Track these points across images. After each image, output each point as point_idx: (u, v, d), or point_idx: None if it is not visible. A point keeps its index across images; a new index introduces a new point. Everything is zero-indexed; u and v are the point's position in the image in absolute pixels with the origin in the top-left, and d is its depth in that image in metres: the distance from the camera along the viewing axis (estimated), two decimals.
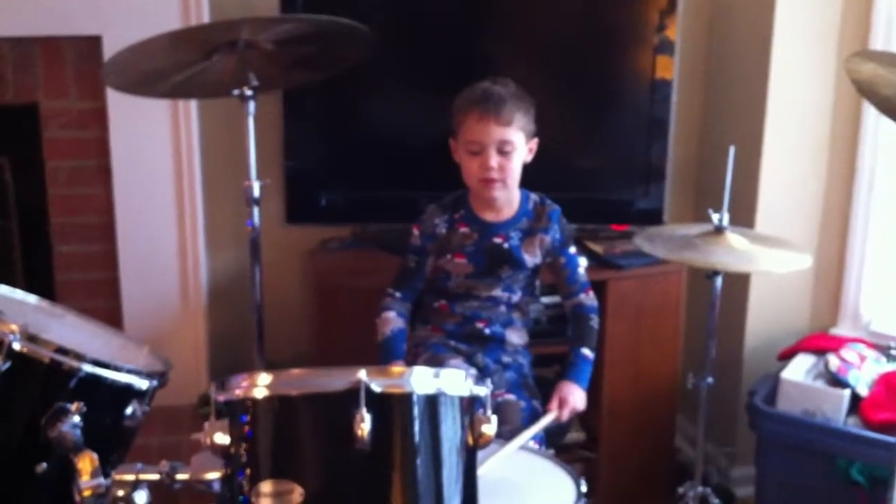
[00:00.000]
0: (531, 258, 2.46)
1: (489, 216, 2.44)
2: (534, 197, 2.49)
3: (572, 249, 2.51)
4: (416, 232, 2.46)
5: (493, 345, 2.48)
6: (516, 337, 2.52)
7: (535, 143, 2.38)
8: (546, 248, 2.47)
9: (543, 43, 3.01)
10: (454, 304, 2.48)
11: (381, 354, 2.38)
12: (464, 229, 2.43)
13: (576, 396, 2.36)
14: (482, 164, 2.32)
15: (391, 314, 2.43)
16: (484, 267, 2.43)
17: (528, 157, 2.38)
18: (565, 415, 2.33)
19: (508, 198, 2.43)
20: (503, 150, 2.31)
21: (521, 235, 2.44)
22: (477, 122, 2.30)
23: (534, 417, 2.31)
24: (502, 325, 2.49)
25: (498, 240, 2.43)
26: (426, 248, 2.45)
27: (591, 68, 3.02)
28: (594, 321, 2.48)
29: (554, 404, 2.33)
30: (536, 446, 2.16)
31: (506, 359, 2.48)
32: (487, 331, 2.47)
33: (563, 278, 2.51)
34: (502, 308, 2.49)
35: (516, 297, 2.50)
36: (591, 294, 2.52)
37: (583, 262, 2.59)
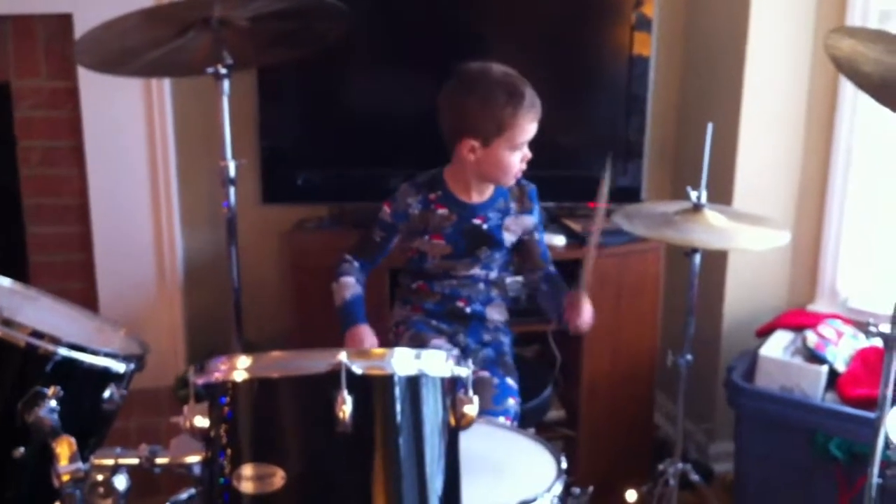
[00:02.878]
0: (510, 237, 2.44)
1: (467, 197, 2.41)
2: None
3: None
4: (387, 209, 2.43)
5: (474, 323, 2.47)
6: (497, 313, 2.52)
7: None
8: (526, 228, 2.46)
9: (521, 19, 2.99)
10: (433, 283, 2.47)
11: (342, 318, 2.35)
12: (442, 210, 2.40)
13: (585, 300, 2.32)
14: (525, 156, 2.32)
15: (350, 279, 2.40)
16: (463, 248, 2.41)
17: None
18: (585, 317, 2.30)
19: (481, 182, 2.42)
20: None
21: (500, 216, 2.43)
22: (531, 122, 2.29)
23: (505, 393, 2.32)
24: (482, 302, 2.48)
25: (477, 221, 2.41)
26: (396, 226, 2.43)
27: (569, 45, 3.01)
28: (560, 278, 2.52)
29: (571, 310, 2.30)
30: (499, 420, 2.18)
31: (487, 337, 2.48)
32: (468, 309, 2.46)
33: (536, 255, 2.50)
34: (481, 285, 2.47)
35: (493, 275, 2.49)
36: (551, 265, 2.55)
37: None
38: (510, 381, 2.36)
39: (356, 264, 2.44)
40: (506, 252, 2.48)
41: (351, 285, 2.39)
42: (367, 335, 2.29)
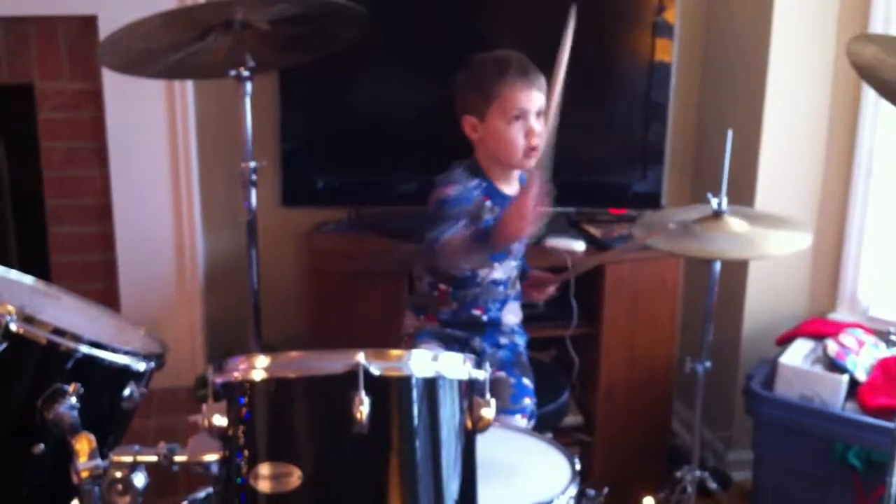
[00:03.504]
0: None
1: (507, 189, 2.35)
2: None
3: None
4: (450, 192, 2.27)
5: (490, 329, 2.46)
6: (512, 316, 2.49)
7: None
8: None
9: (541, 24, 2.99)
10: (455, 291, 2.41)
11: (480, 237, 2.14)
12: (488, 202, 2.33)
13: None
14: (529, 131, 2.24)
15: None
16: None
17: None
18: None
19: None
20: (539, 116, 2.25)
21: None
22: (521, 90, 2.24)
23: (521, 393, 2.32)
24: (498, 308, 2.46)
25: None
26: (466, 206, 2.27)
27: (589, 51, 2.98)
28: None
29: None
30: (516, 418, 2.20)
31: (502, 340, 2.47)
32: (485, 317, 2.44)
33: None
34: (500, 289, 2.44)
35: (514, 275, 2.46)
36: None
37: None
38: (526, 381, 2.36)
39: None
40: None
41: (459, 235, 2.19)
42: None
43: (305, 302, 3.02)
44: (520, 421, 2.24)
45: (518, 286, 2.51)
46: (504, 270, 2.42)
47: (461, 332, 2.44)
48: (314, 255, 2.94)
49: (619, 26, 3.00)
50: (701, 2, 3.25)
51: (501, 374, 2.36)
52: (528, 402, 2.31)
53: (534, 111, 2.26)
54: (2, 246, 3.06)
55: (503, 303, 2.47)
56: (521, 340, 2.51)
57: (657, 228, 2.37)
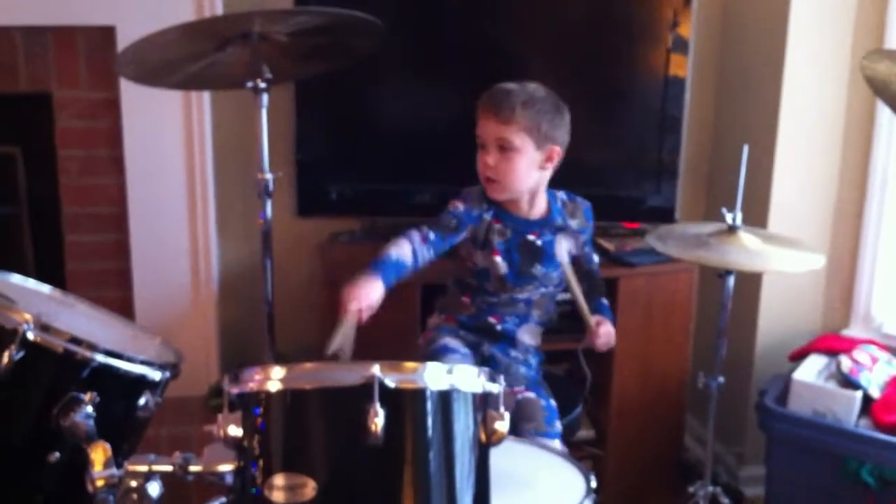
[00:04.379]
0: (563, 255, 2.37)
1: (518, 211, 2.37)
2: (560, 195, 2.44)
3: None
4: (459, 205, 2.34)
5: (502, 341, 2.46)
6: (528, 336, 2.48)
7: (555, 152, 2.29)
8: (580, 246, 2.44)
9: (556, 38, 3.00)
10: (475, 296, 2.42)
11: (372, 263, 2.18)
12: (498, 225, 2.36)
13: (609, 327, 2.39)
14: (482, 161, 2.28)
15: (405, 242, 2.23)
16: (518, 265, 2.36)
17: (547, 166, 2.30)
18: (603, 339, 2.37)
19: (531, 201, 2.37)
20: (502, 148, 2.25)
21: (553, 233, 2.39)
22: (481, 117, 2.28)
23: (553, 416, 2.33)
24: (516, 323, 2.45)
25: (531, 237, 2.37)
26: (467, 222, 2.33)
27: (605, 65, 3.02)
28: (600, 277, 2.54)
29: (594, 320, 2.35)
30: (555, 443, 2.20)
31: (513, 353, 2.47)
32: (499, 327, 2.44)
33: (583, 262, 2.48)
34: (521, 306, 2.44)
35: (538, 297, 2.44)
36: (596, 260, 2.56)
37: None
38: (553, 403, 2.37)
39: (431, 236, 2.27)
40: (560, 271, 2.42)
41: (402, 246, 2.22)
42: (372, 287, 2.09)
43: (319, 312, 3.02)
44: (557, 446, 2.23)
45: (547, 310, 2.50)
46: (529, 292, 2.42)
47: (473, 337, 2.44)
48: (329, 265, 2.95)
49: (634, 41, 3.01)
50: (716, 17, 3.25)
51: (531, 394, 2.36)
52: (558, 425, 2.33)
53: (490, 140, 2.26)
54: (18, 253, 3.07)
55: (522, 320, 2.45)
56: (534, 360, 2.50)
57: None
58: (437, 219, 2.33)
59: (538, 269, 2.38)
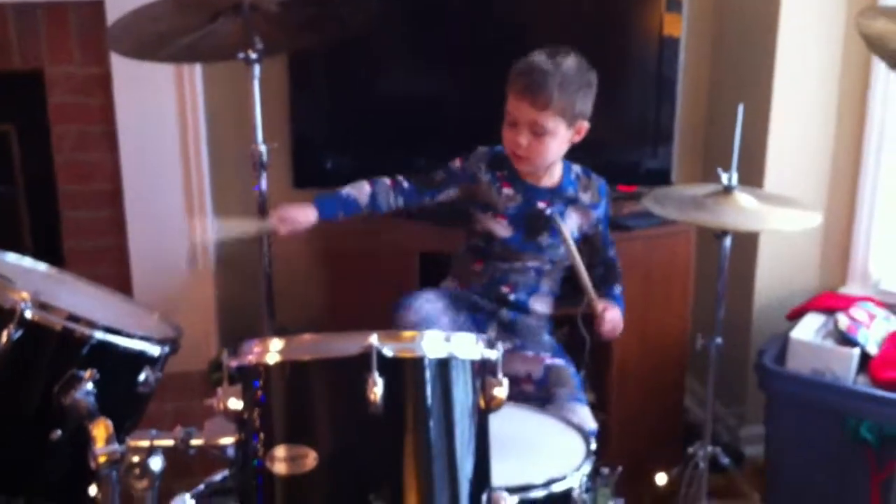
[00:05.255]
0: (572, 227, 2.39)
1: (534, 179, 2.37)
2: (576, 168, 2.43)
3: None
4: (458, 162, 2.38)
5: (516, 310, 2.45)
6: (539, 305, 2.47)
7: (584, 126, 2.29)
8: (590, 221, 2.43)
9: (550, 4, 2.99)
10: (487, 264, 2.42)
11: (319, 195, 2.32)
12: (507, 190, 2.36)
13: (618, 315, 2.40)
14: (512, 139, 2.27)
15: (366, 187, 2.35)
16: (524, 232, 2.37)
17: (576, 139, 2.31)
18: (608, 325, 2.37)
19: (547, 170, 2.36)
20: (535, 132, 2.24)
21: (565, 205, 2.38)
22: (514, 97, 2.25)
23: (580, 381, 2.35)
24: (528, 292, 2.44)
25: (542, 205, 2.37)
26: (460, 179, 2.37)
27: (599, 27, 3.00)
28: (618, 266, 2.52)
29: (601, 306, 2.35)
30: (584, 410, 2.22)
31: (529, 321, 2.46)
32: (512, 297, 2.43)
33: (599, 244, 2.49)
34: (532, 274, 2.43)
35: (548, 266, 2.44)
36: (613, 249, 2.54)
37: None
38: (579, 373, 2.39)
39: (404, 185, 2.36)
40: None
41: (360, 186, 2.34)
42: (302, 212, 2.25)
43: (317, 284, 3.03)
44: (587, 413, 2.23)
45: (558, 281, 2.49)
46: (538, 260, 2.41)
47: (489, 304, 2.43)
48: (326, 236, 2.95)
49: (628, 2, 2.99)
50: None
51: (559, 360, 2.38)
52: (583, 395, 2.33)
53: (523, 122, 2.24)
54: (15, 231, 3.07)
55: (532, 289, 2.45)
56: (546, 328, 2.51)
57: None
58: (420, 173, 2.38)
59: (545, 239, 2.38)
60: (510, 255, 2.39)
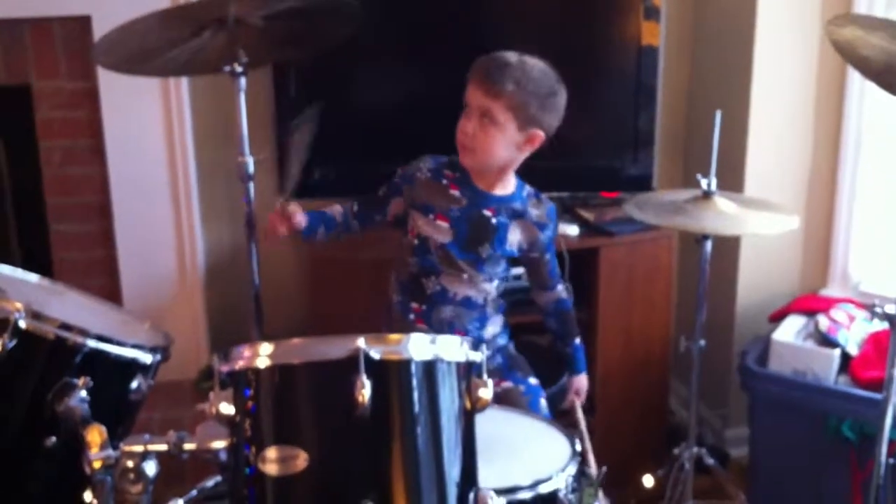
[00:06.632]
0: (514, 242, 2.34)
1: (484, 186, 2.31)
2: (529, 188, 2.38)
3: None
4: (399, 171, 2.38)
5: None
6: (492, 327, 2.43)
7: (538, 136, 2.21)
8: (535, 244, 2.37)
9: (531, 10, 3.02)
10: (429, 310, 2.35)
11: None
12: (455, 192, 2.31)
13: (584, 383, 2.52)
14: (462, 126, 2.23)
15: (339, 208, 2.41)
16: (465, 237, 2.29)
17: (525, 148, 2.23)
18: (582, 399, 2.50)
19: (499, 178, 2.31)
20: (484, 121, 2.19)
21: (511, 217, 2.34)
22: (471, 82, 2.21)
23: (536, 396, 2.33)
24: (478, 327, 2.39)
25: (487, 212, 2.30)
26: (400, 186, 2.35)
27: (578, 35, 3.03)
28: (573, 312, 2.50)
29: (572, 397, 2.49)
30: (514, 384, 2.33)
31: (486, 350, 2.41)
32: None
33: (545, 272, 2.43)
34: (475, 313, 2.37)
35: (492, 295, 2.38)
36: (563, 284, 2.49)
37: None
38: (532, 381, 2.38)
39: (354, 208, 2.41)
40: (506, 263, 2.39)
41: (334, 207, 2.41)
42: (295, 211, 2.28)
43: (305, 292, 3.05)
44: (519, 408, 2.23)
45: (498, 301, 2.44)
46: (478, 290, 2.36)
47: None
48: (314, 246, 2.97)
49: (608, 10, 3.03)
50: None
51: (508, 384, 2.34)
52: (543, 403, 2.33)
53: (474, 108, 2.20)
54: (4, 244, 3.09)
55: (482, 321, 2.40)
56: (504, 340, 2.46)
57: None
58: (367, 195, 2.43)
59: (485, 249, 2.31)
60: (447, 265, 2.31)
